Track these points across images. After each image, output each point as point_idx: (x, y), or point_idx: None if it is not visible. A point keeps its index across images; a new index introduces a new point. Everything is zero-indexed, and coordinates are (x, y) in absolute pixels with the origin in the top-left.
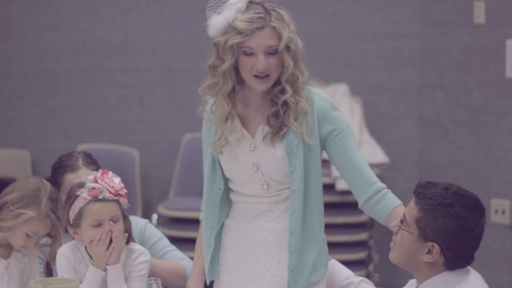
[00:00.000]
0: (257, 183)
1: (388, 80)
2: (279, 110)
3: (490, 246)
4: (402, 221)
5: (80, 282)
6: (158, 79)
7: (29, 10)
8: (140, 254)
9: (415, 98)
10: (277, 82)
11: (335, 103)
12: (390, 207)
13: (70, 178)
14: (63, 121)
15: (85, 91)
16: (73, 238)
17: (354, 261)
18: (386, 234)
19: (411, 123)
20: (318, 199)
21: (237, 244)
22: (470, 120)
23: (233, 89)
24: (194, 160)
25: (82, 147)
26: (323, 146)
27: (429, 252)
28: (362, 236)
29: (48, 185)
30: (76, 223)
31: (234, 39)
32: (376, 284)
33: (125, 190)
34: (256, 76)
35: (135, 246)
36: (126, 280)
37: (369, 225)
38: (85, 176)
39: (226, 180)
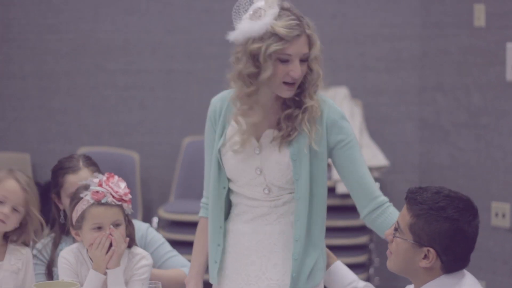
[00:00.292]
0: (258, 186)
1: (388, 82)
2: (292, 113)
3: (491, 249)
4: (396, 229)
5: (81, 285)
6: (158, 81)
7: (29, 12)
8: (142, 258)
9: (415, 100)
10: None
11: (344, 113)
12: (390, 222)
13: (71, 179)
14: (63, 123)
15: (85, 93)
16: (75, 241)
17: (355, 265)
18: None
19: (411, 125)
20: (322, 206)
21: (234, 246)
22: (470, 122)
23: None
24: (195, 163)
25: (82, 149)
26: (329, 155)
27: (425, 257)
28: (362, 239)
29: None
30: (78, 225)
31: (276, 46)
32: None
33: (129, 196)
34: (285, 83)
35: (137, 250)
36: (127, 283)
37: (370, 228)
38: (90, 178)
39: (229, 181)
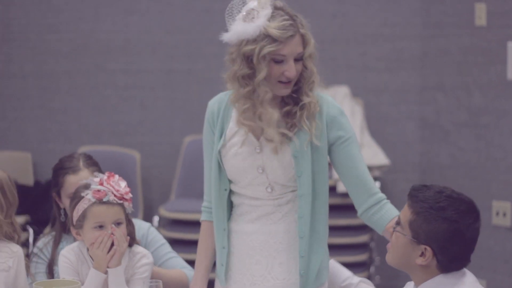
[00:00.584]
0: (261, 185)
1: (388, 82)
2: (290, 110)
3: (491, 248)
4: (397, 223)
5: (82, 284)
6: (158, 81)
7: (29, 11)
8: (142, 257)
9: (415, 100)
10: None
11: (343, 109)
12: (388, 218)
13: (71, 180)
14: (63, 123)
15: (86, 93)
16: (75, 239)
17: (355, 263)
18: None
19: (412, 125)
20: (325, 203)
21: (238, 246)
22: (470, 121)
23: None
24: (195, 162)
25: (83, 149)
26: (328, 151)
27: (422, 255)
28: (363, 238)
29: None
30: (79, 224)
31: (270, 48)
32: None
33: (130, 195)
34: (280, 82)
35: (138, 248)
36: (128, 282)
37: (370, 227)
38: (91, 178)
39: (229, 182)
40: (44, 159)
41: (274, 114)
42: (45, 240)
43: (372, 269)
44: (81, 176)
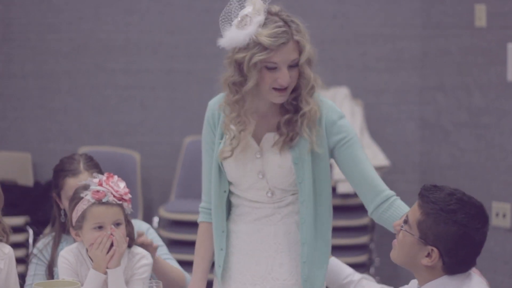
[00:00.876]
0: (261, 190)
1: (389, 82)
2: (291, 118)
3: (491, 249)
4: (405, 221)
5: (81, 285)
6: (159, 81)
7: (30, 11)
8: (142, 258)
9: (416, 100)
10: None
11: (342, 112)
12: (399, 214)
13: (71, 182)
14: (64, 123)
15: (86, 93)
16: (75, 240)
17: (355, 264)
18: (387, 237)
19: (412, 125)
20: (328, 208)
21: (237, 247)
22: (471, 122)
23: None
24: (195, 162)
25: (83, 149)
26: (331, 155)
27: (428, 255)
28: (363, 239)
29: None
30: (79, 225)
31: (260, 56)
32: None
33: (129, 195)
34: (275, 89)
35: (137, 249)
36: (127, 283)
37: (370, 228)
38: (90, 178)
39: (229, 184)
40: (44, 160)
41: (251, 126)
42: (45, 241)
43: (372, 270)
44: (81, 179)
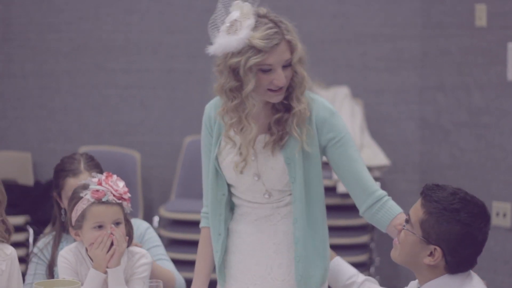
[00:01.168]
0: (258, 192)
1: (389, 82)
2: (281, 117)
3: (491, 249)
4: (407, 221)
5: (81, 284)
6: (159, 81)
7: (30, 11)
8: (141, 257)
9: (416, 100)
10: None
11: (334, 109)
12: (391, 215)
13: (71, 183)
14: (64, 122)
15: (86, 93)
16: (75, 240)
17: (355, 264)
18: (387, 236)
19: (412, 125)
20: (321, 207)
21: (239, 247)
22: (471, 121)
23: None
24: (196, 162)
25: (83, 149)
26: (323, 152)
27: (431, 254)
28: (363, 238)
29: None
30: (78, 225)
31: (255, 59)
32: None
33: (128, 195)
34: (270, 90)
35: (136, 248)
36: (127, 282)
37: (370, 227)
38: (89, 178)
39: (229, 186)
40: (44, 159)
41: (253, 130)
42: (46, 241)
43: (372, 269)
44: (82, 179)
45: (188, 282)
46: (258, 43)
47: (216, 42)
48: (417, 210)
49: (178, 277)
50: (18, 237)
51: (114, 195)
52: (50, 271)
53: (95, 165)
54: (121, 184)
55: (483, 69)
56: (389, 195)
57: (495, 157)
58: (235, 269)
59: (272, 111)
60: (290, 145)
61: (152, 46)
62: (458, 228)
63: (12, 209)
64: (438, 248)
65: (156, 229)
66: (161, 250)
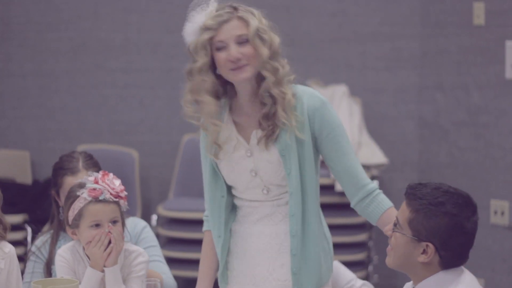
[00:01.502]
0: (257, 188)
1: (387, 81)
2: (268, 111)
3: (490, 247)
4: (395, 224)
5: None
6: (158, 80)
7: (29, 10)
8: (138, 255)
9: (414, 99)
10: (262, 83)
11: (326, 100)
12: (381, 209)
13: (70, 181)
14: (63, 122)
15: (85, 92)
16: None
17: (354, 262)
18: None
19: (411, 124)
20: (315, 198)
21: (241, 248)
22: (469, 120)
23: (217, 94)
24: (194, 161)
25: (82, 147)
26: (315, 144)
27: (424, 252)
28: (361, 237)
29: None
30: (75, 224)
31: (204, 36)
32: (375, 285)
33: (125, 193)
34: (232, 70)
35: (132, 247)
36: (124, 281)
37: (368, 226)
38: (85, 177)
39: (229, 187)
40: (43, 158)
41: (211, 103)
42: (43, 239)
43: (370, 268)
44: (80, 177)
45: (188, 281)
46: (208, 21)
47: (184, 34)
48: (403, 211)
49: (168, 280)
50: (16, 235)
51: (111, 193)
52: (48, 270)
53: (93, 164)
54: (117, 182)
55: (481, 68)
56: (387, 193)
57: (493, 156)
58: (238, 271)
59: (260, 107)
60: (282, 136)
61: (152, 46)
62: (446, 220)
63: (11, 207)
64: (430, 244)
65: (154, 228)
66: (156, 250)
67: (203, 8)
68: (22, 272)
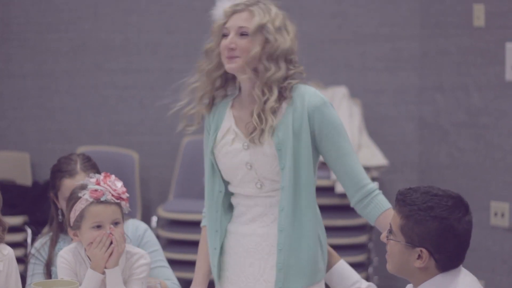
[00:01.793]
0: (251, 182)
1: (387, 82)
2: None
3: (490, 249)
4: (389, 231)
5: (80, 285)
6: (158, 81)
7: (29, 11)
8: (140, 257)
9: (414, 100)
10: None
11: (327, 100)
12: (379, 210)
13: (68, 183)
14: (62, 123)
15: (85, 92)
16: (72, 240)
17: (354, 264)
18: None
19: (411, 125)
20: (309, 196)
21: (234, 248)
22: (469, 122)
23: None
24: (194, 162)
25: (81, 149)
26: (314, 143)
27: (419, 257)
28: (361, 238)
29: None
30: (77, 225)
31: (220, 21)
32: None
33: (127, 194)
34: (227, 57)
35: (134, 249)
36: (125, 283)
37: (369, 227)
38: (87, 178)
39: (227, 184)
40: (42, 159)
41: (208, 84)
42: (43, 241)
43: (370, 269)
44: (78, 180)
45: (188, 282)
46: (226, 8)
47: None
48: (395, 218)
49: (173, 286)
50: (16, 237)
51: (112, 195)
52: (48, 271)
53: (91, 166)
54: (119, 184)
55: (481, 69)
56: (387, 195)
57: (493, 157)
58: (231, 271)
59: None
60: (280, 132)
61: (151, 46)
62: (436, 224)
63: (10, 209)
64: (423, 250)
65: (154, 229)
66: (159, 255)
67: None
68: (21, 274)
